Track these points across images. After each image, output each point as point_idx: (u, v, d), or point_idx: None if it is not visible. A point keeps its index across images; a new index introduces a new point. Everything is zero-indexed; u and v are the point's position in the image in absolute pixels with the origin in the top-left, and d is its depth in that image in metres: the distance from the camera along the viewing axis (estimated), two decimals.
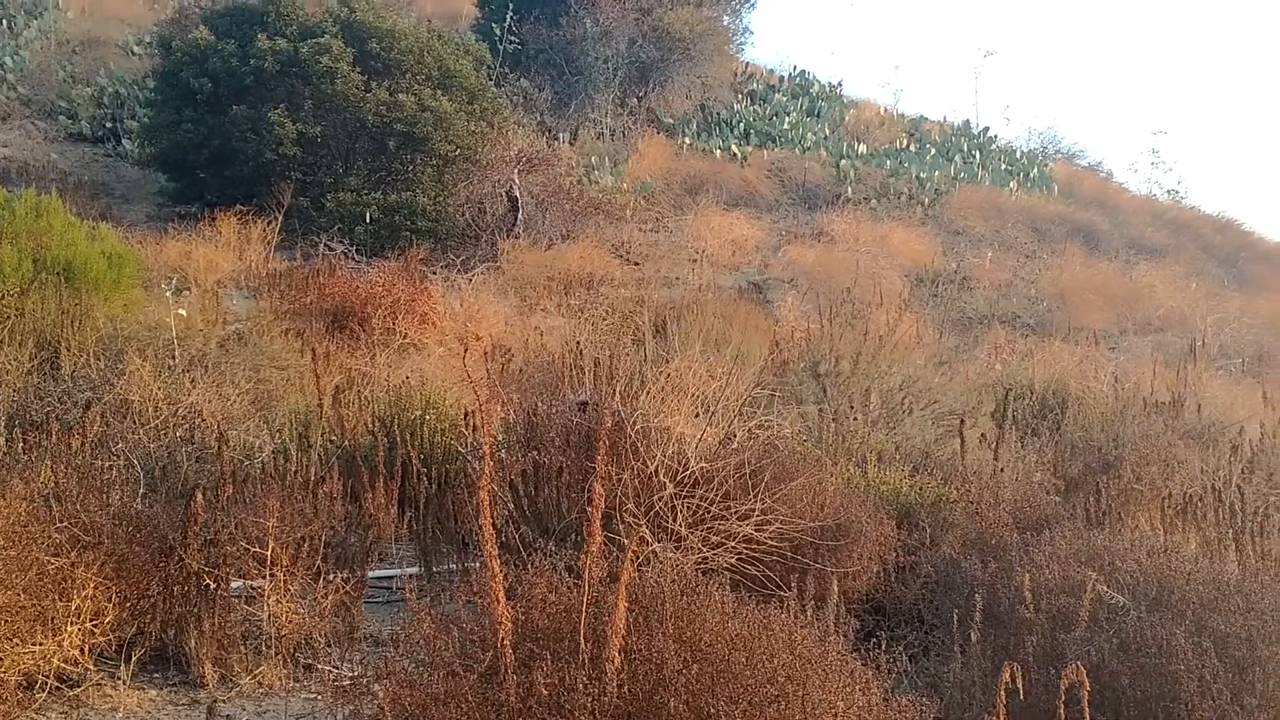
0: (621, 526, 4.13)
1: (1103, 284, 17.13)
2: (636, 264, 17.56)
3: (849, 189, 21.70)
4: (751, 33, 28.17)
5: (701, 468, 4.40)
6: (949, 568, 4.63)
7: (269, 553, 3.76)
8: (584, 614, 3.05)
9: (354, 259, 15.39)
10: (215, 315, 10.99)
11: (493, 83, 20.16)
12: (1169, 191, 29.75)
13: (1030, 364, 11.73)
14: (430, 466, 5.59)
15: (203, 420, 5.73)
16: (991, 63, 70.78)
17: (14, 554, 3.00)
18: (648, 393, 6.22)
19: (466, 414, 5.82)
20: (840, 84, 27.96)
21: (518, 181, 17.53)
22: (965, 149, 25.12)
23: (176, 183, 17.17)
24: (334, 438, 5.98)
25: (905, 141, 25.15)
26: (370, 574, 4.98)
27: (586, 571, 3.06)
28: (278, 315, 10.92)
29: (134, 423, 5.64)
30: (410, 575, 4.83)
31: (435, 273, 14.83)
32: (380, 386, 7.31)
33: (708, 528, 4.20)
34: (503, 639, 2.99)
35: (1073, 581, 4.22)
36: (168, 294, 7.52)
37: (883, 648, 3.76)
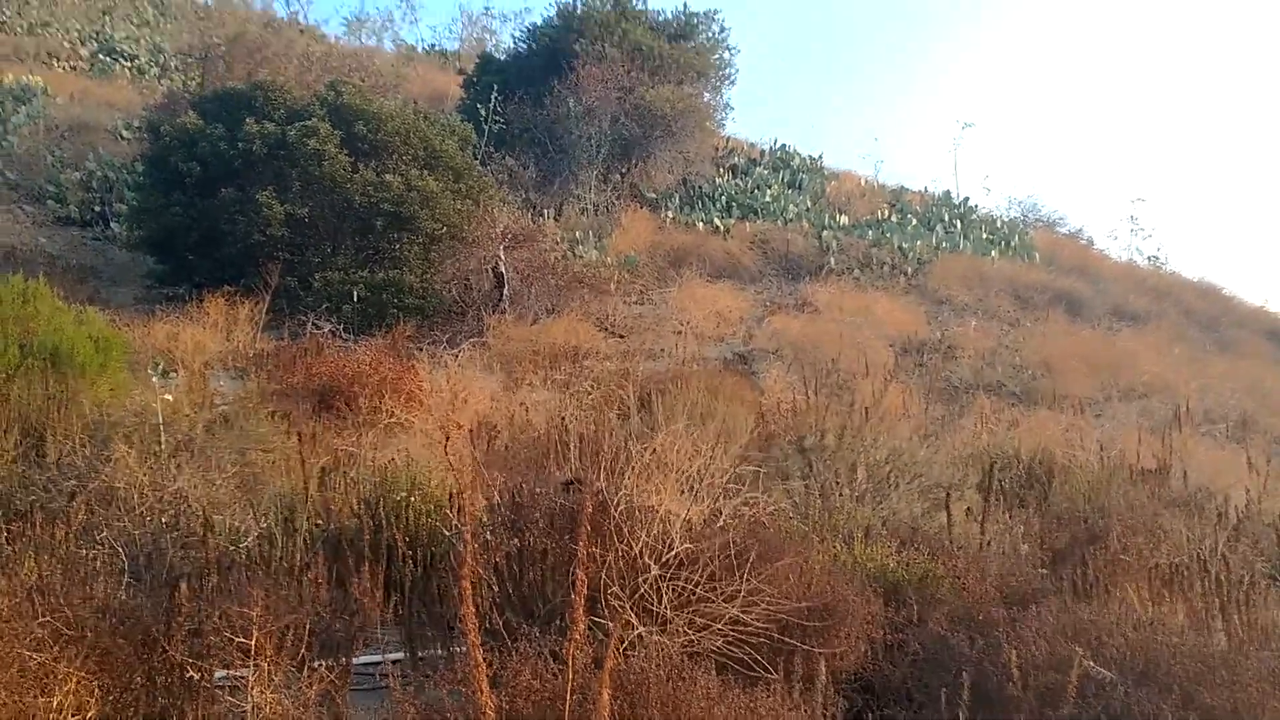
0: (606, 610, 4.12)
1: (1086, 351, 17.25)
2: (622, 337, 17.64)
3: (832, 259, 21.90)
4: (732, 109, 29.04)
5: (686, 548, 4.41)
6: (937, 645, 4.63)
7: (253, 642, 3.75)
8: (568, 702, 3.05)
9: (341, 337, 15.43)
10: (203, 398, 11.02)
11: (478, 161, 20.42)
12: (1149, 258, 30.09)
13: (1016, 433, 11.78)
14: (416, 549, 5.58)
15: (188, 506, 5.71)
16: (970, 134, 71.62)
17: None
18: (633, 470, 6.25)
19: (451, 495, 5.82)
20: (820, 156, 28.37)
21: (503, 257, 17.66)
22: (946, 219, 25.41)
23: (165, 265, 17.24)
24: (319, 521, 5.96)
25: (887, 212, 25.44)
26: (355, 660, 4.96)
27: (570, 659, 3.05)
28: (264, 396, 10.93)
29: (119, 510, 5.63)
30: (395, 661, 4.81)
31: (422, 349, 14.88)
32: (366, 468, 7.31)
33: (693, 610, 4.20)
34: None
35: (1060, 657, 4.22)
36: (154, 378, 7.52)
37: None
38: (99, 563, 4.74)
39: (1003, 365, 17.27)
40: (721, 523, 5.70)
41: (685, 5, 26.58)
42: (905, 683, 4.68)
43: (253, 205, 15.92)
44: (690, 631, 4.16)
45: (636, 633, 4.04)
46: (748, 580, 4.35)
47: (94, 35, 29.05)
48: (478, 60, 27.09)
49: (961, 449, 9.89)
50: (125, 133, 22.33)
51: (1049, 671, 4.18)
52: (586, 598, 4.31)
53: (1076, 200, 76.48)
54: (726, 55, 26.94)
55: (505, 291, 17.53)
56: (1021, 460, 10.32)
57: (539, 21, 26.37)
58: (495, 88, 22.93)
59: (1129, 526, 6.67)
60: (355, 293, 16.15)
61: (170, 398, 7.43)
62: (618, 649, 3.01)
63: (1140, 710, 3.89)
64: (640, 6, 25.88)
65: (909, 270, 21.89)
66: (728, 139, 28.39)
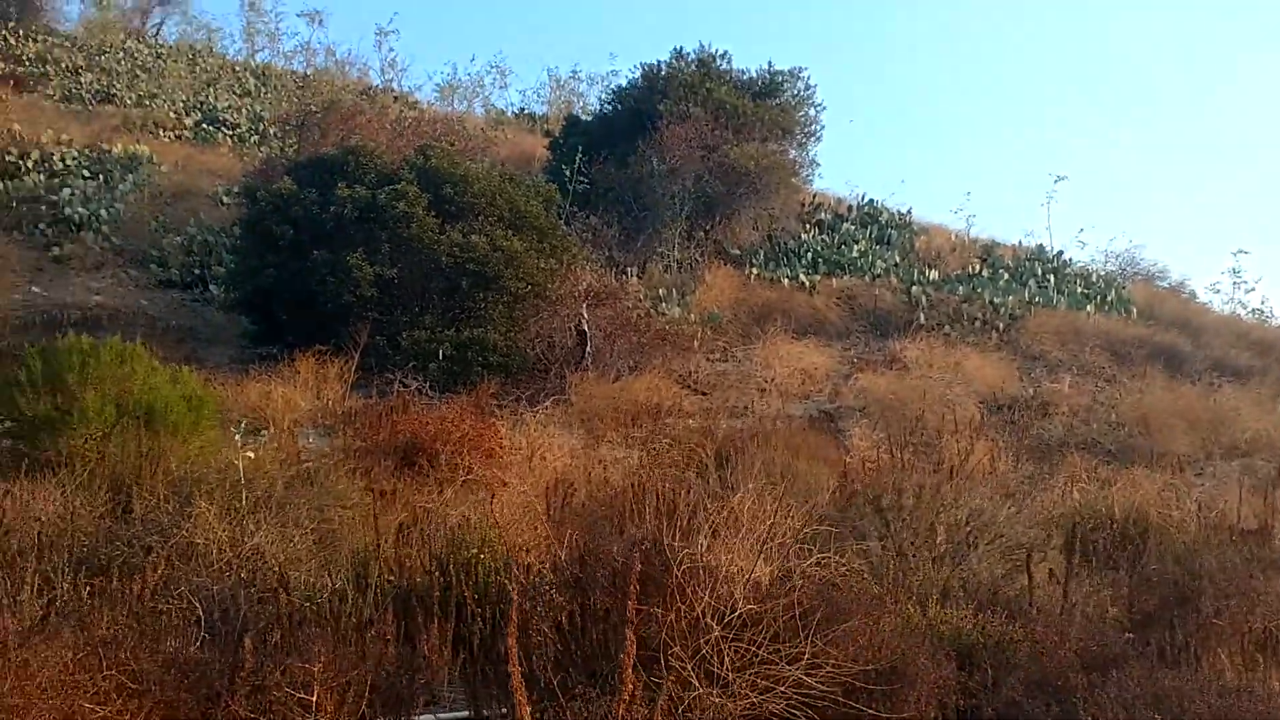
0: (665, 671, 4.07)
1: (1186, 408, 16.73)
2: (704, 394, 17.60)
3: (921, 315, 21.63)
4: (819, 165, 29.03)
5: (750, 609, 4.34)
6: (1012, 711, 4.47)
7: (314, 698, 3.78)
8: None
9: (428, 395, 15.62)
10: (290, 454, 11.26)
11: (563, 221, 20.69)
12: (1253, 311, 29.11)
13: (1110, 492, 11.42)
14: (485, 606, 5.58)
15: (264, 562, 5.81)
16: (1065, 187, 70.21)
17: (57, 704, 3.06)
18: (708, 529, 6.21)
19: (515, 553, 5.83)
20: (909, 211, 28.14)
21: (586, 315, 17.81)
22: (1039, 273, 24.97)
23: (259, 325, 17.73)
24: (391, 577, 6.01)
25: (978, 266, 25.10)
26: (419, 718, 4.97)
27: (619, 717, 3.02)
28: (350, 453, 11.12)
29: (199, 565, 5.76)
30: (458, 719, 4.80)
31: (504, 406, 15.01)
32: (441, 525, 7.37)
33: (755, 672, 4.13)
34: None
35: None
36: (236, 437, 7.71)
37: None
38: (174, 617, 4.83)
39: (1098, 422, 16.81)
40: (792, 583, 5.62)
41: (770, 63, 26.77)
42: None
43: (343, 267, 16.30)
44: (751, 694, 4.08)
45: (695, 694, 3.98)
46: (812, 642, 4.27)
47: (198, 105, 30.20)
48: (564, 122, 27.55)
49: (1050, 509, 9.61)
50: (225, 198, 23.08)
51: None
52: (649, 658, 4.28)
53: (1177, 253, 74.51)
54: (812, 112, 26.99)
55: (588, 349, 17.65)
56: (1115, 520, 10.00)
57: (624, 83, 26.80)
58: (580, 148, 23.25)
59: (1220, 590, 6.39)
60: (441, 351, 16.38)
61: (252, 455, 7.60)
62: (668, 711, 2.96)
63: None
64: (725, 66, 26.11)
65: (1001, 326, 21.53)
66: (814, 195, 28.33)
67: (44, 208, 21.65)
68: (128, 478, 7.96)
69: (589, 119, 27.19)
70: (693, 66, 25.51)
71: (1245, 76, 65.35)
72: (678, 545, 5.32)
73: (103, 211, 21.66)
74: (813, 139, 27.18)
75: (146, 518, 6.50)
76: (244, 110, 30.35)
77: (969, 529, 6.91)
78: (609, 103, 26.79)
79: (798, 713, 4.09)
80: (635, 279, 21.58)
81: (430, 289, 17.33)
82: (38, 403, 10.00)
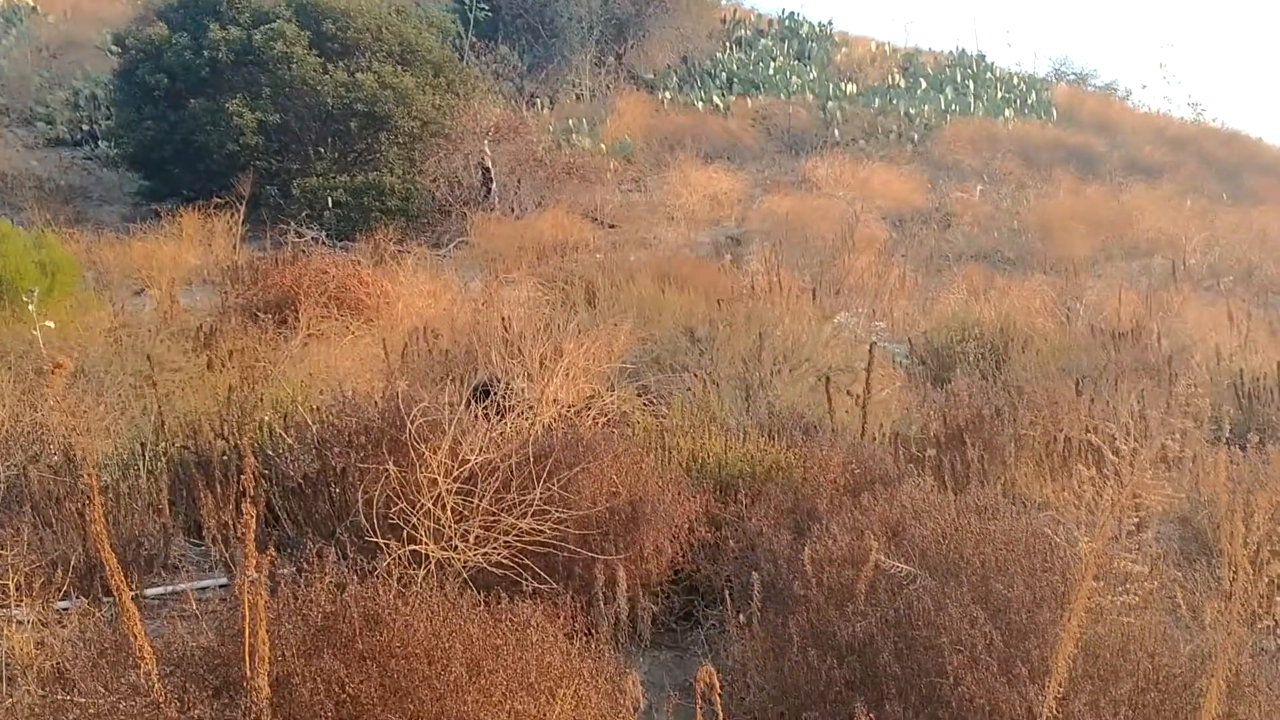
0: (380, 528, 4.02)
1: (1089, 210, 16.61)
2: (613, 227, 17.32)
3: (835, 131, 21.27)
4: None
5: (483, 459, 4.27)
6: (757, 542, 4.48)
7: (11, 582, 3.72)
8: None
9: (324, 244, 15.32)
10: (170, 314, 11.04)
11: (468, 52, 19.97)
12: (1190, 105, 28.82)
13: (987, 301, 11.42)
14: (272, 470, 5.51)
15: (48, 437, 5.70)
16: None
17: None
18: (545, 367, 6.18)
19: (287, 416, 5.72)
20: (830, 23, 27.41)
21: (489, 152, 17.37)
22: (959, 79, 24.48)
23: (151, 181, 17.19)
24: (190, 444, 5.91)
25: (897, 77, 24.58)
26: (192, 585, 4.96)
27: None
28: (227, 311, 10.91)
29: None
30: (217, 586, 4.78)
31: (407, 251, 14.74)
32: (280, 383, 7.25)
33: (477, 522, 4.07)
34: (147, 672, 2.91)
35: (862, 552, 4.05)
36: (30, 306, 7.45)
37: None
38: None
39: (1000, 231, 16.69)
40: (592, 417, 5.61)
41: None
42: (728, 581, 4.56)
43: (223, 115, 15.76)
44: (468, 547, 4.04)
45: (400, 553, 3.93)
46: (546, 488, 4.22)
47: None
48: None
49: (907, 324, 9.59)
50: (114, 48, 22.01)
51: (847, 567, 4.01)
52: (382, 517, 4.24)
53: (1110, 53, 73.08)
54: None
55: (493, 187, 17.28)
56: (978, 331, 10.01)
57: None
58: None
59: (1030, 400, 6.39)
60: (333, 198, 15.99)
61: (52, 324, 7.38)
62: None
63: (920, 606, 3.71)
64: None
65: (915, 137, 21.20)
66: (735, 10, 27.49)
67: None
68: None
69: None
70: None
71: None
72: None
73: None
74: None
75: None
76: None
77: (777, 355, 6.84)
78: None
79: (525, 562, 4.06)
80: (546, 111, 21.00)
81: (320, 133, 16.81)
82: None
